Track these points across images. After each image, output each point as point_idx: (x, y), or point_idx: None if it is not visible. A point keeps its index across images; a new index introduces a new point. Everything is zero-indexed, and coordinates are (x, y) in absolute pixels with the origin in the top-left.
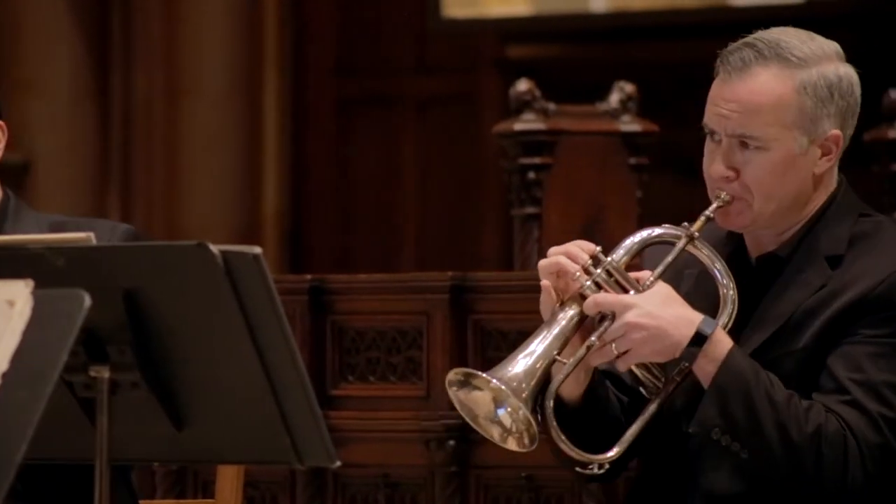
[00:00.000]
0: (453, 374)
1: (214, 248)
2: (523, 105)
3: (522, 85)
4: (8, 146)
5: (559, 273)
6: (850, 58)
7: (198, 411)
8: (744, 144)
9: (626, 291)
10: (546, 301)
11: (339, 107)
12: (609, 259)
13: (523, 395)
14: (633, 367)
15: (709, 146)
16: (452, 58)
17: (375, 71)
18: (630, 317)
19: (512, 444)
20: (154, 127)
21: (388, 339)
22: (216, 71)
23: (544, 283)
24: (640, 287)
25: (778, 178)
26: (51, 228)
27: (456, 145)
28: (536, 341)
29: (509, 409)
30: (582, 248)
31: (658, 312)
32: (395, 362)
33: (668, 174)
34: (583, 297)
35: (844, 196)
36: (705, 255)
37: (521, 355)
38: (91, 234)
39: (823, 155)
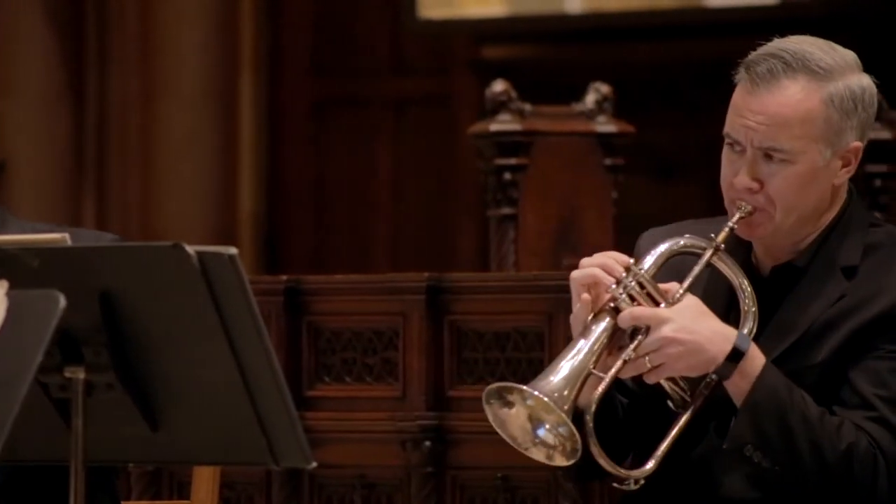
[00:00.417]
0: (490, 388)
1: (190, 249)
2: (499, 106)
3: (498, 86)
4: None
5: (592, 285)
6: None
7: (173, 412)
8: (768, 156)
9: (657, 304)
10: (581, 314)
11: (314, 108)
12: (642, 271)
13: (565, 406)
14: (663, 382)
15: (729, 156)
16: (428, 59)
17: (351, 72)
18: (666, 331)
19: (549, 458)
20: (129, 129)
21: (364, 340)
22: (192, 72)
23: (584, 296)
24: (670, 300)
25: (801, 191)
26: None
27: (432, 146)
28: (572, 354)
29: (549, 423)
30: (616, 260)
31: (694, 327)
32: (371, 363)
33: (643, 175)
34: (616, 310)
35: (856, 206)
36: (728, 267)
37: (558, 367)
38: (66, 235)
39: (844, 166)
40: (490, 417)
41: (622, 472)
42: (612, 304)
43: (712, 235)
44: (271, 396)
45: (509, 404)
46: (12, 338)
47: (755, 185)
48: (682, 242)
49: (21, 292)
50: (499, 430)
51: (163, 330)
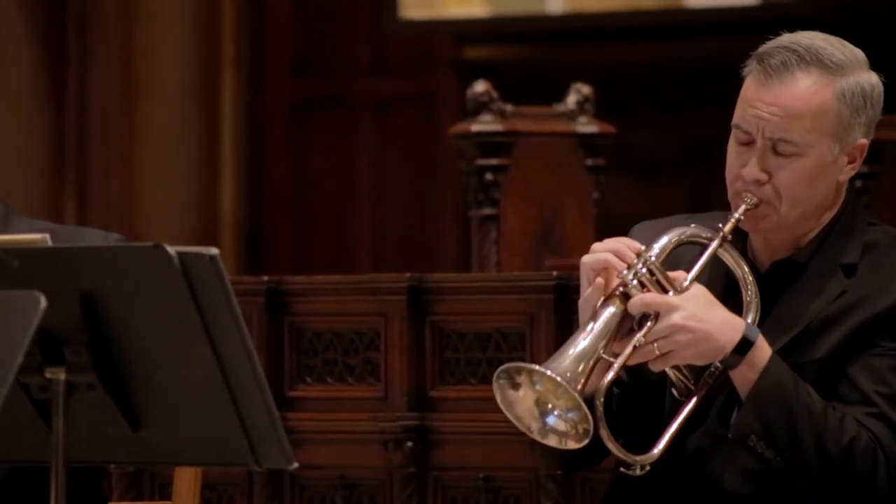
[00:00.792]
0: (502, 368)
1: (171, 250)
2: (480, 106)
3: (479, 86)
4: None
5: (603, 270)
6: None
7: (154, 413)
8: (777, 149)
9: (666, 292)
10: (592, 298)
11: (295, 108)
12: (652, 258)
13: (577, 387)
14: (669, 371)
15: (737, 148)
16: (409, 59)
17: (332, 72)
18: (676, 318)
19: (559, 442)
20: (110, 129)
21: (346, 341)
22: (173, 72)
23: (598, 280)
24: (678, 288)
25: (808, 185)
26: None
27: (413, 147)
28: (582, 337)
29: (559, 406)
30: (628, 247)
31: (703, 315)
32: (353, 364)
33: (624, 175)
34: (625, 296)
35: (854, 204)
36: (732, 259)
37: (569, 350)
38: (46, 236)
39: (849, 163)
40: (498, 398)
41: (630, 457)
42: (621, 290)
43: (720, 225)
44: (253, 397)
45: (518, 385)
46: None
47: (764, 177)
48: (689, 232)
49: (1, 293)
50: (506, 412)
51: (144, 330)
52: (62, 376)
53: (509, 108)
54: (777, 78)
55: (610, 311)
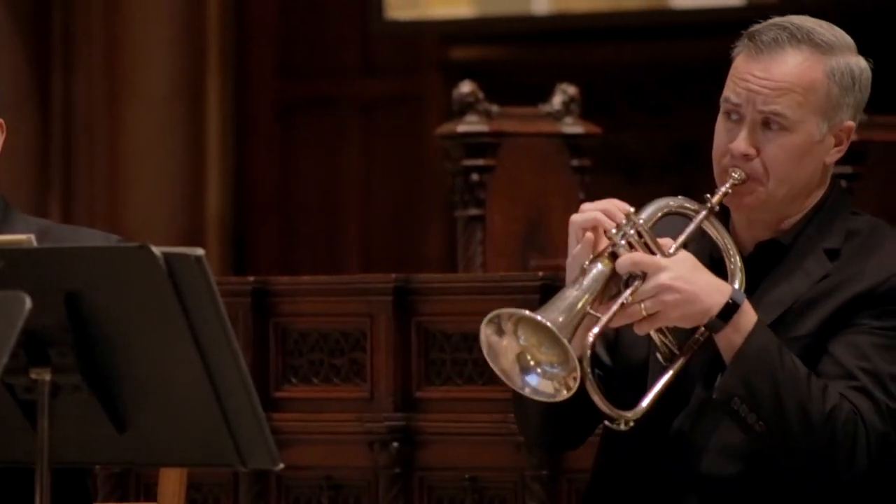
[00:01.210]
0: (492, 315)
1: (156, 250)
2: (466, 107)
3: (465, 87)
4: None
5: (593, 229)
6: None
7: (140, 414)
8: (767, 124)
9: (653, 255)
10: (581, 255)
11: (281, 109)
12: (641, 220)
13: (568, 336)
14: (652, 332)
15: (725, 124)
16: (395, 60)
17: (318, 73)
18: (664, 278)
19: (562, 395)
20: (95, 130)
21: (332, 341)
22: (158, 74)
23: (588, 235)
24: (665, 253)
25: (795, 162)
26: (38, 233)
27: (399, 147)
28: (570, 292)
29: (545, 359)
30: (617, 207)
31: (691, 278)
32: (339, 364)
33: (610, 176)
34: (613, 255)
35: (838, 194)
36: (716, 230)
37: (557, 304)
38: (31, 236)
39: (836, 145)
40: (484, 347)
41: (616, 411)
42: (610, 250)
43: (707, 196)
44: (238, 398)
45: (503, 334)
46: None
47: (752, 151)
48: (676, 202)
49: None
50: (490, 361)
51: (129, 331)
52: (47, 377)
53: (495, 108)
54: (768, 53)
55: (598, 269)
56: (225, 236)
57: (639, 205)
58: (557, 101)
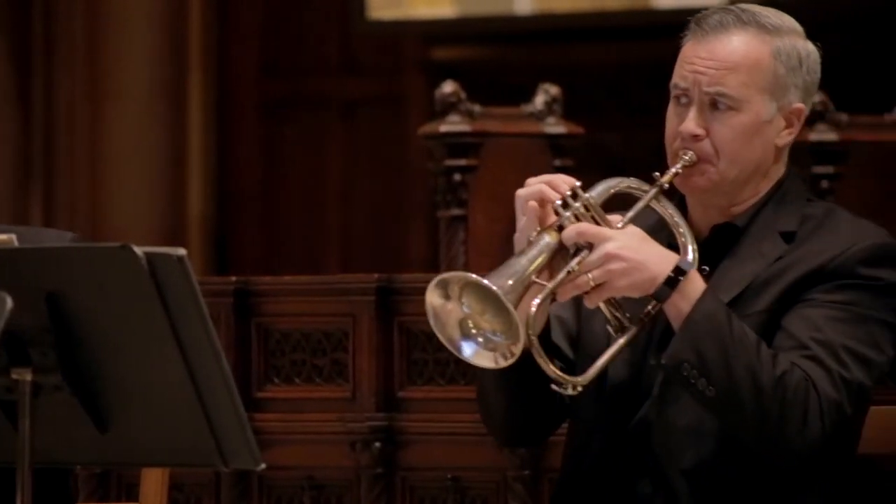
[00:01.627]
0: (439, 278)
1: (138, 250)
2: (449, 107)
3: (447, 87)
4: None
5: (539, 202)
6: None
7: (122, 414)
8: (714, 105)
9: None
10: (527, 227)
11: (264, 108)
12: (588, 195)
13: (514, 302)
14: (602, 305)
15: (675, 109)
16: (378, 59)
17: (301, 73)
18: (610, 247)
19: (501, 362)
20: (77, 130)
21: (314, 341)
22: (140, 73)
23: (531, 204)
24: (614, 226)
25: (745, 142)
26: None
27: (382, 147)
28: (515, 260)
29: (481, 325)
30: (562, 180)
31: (637, 247)
32: (321, 364)
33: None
34: (560, 228)
35: (794, 181)
36: (667, 209)
37: (503, 271)
38: (13, 237)
39: (787, 127)
40: (428, 310)
41: (562, 375)
42: (557, 223)
43: (657, 174)
44: (220, 398)
45: (450, 298)
46: None
47: (701, 132)
48: (626, 182)
49: None
50: (432, 324)
51: (111, 331)
52: (28, 377)
53: (477, 108)
54: (713, 35)
55: (545, 241)
56: (207, 236)
57: (621, 203)
58: (540, 101)
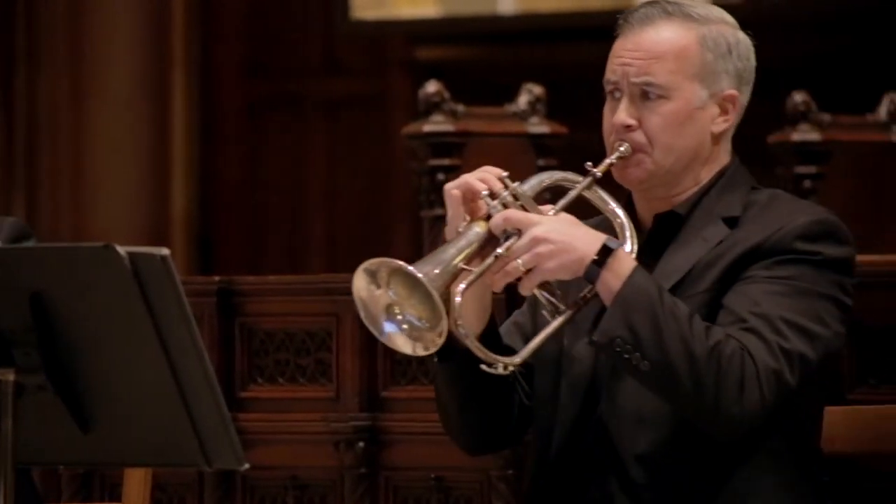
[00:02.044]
0: (367, 263)
1: (121, 250)
2: (432, 107)
3: (431, 87)
4: None
5: (466, 194)
6: (759, 60)
7: (105, 414)
8: (645, 95)
9: None
10: (454, 220)
11: (247, 108)
12: (516, 184)
13: (439, 289)
14: (536, 291)
15: (610, 104)
16: (361, 59)
17: (284, 72)
18: (537, 231)
19: (420, 351)
20: (60, 129)
21: (298, 341)
22: (123, 71)
23: (454, 192)
24: (544, 214)
25: (677, 130)
26: None
27: (365, 147)
28: (444, 249)
29: (407, 311)
30: (492, 173)
31: (565, 230)
32: (305, 364)
33: None
34: (489, 218)
35: (738, 169)
36: (602, 198)
37: (430, 259)
38: None
39: (721, 114)
40: (356, 292)
41: (490, 355)
42: (486, 213)
43: (588, 165)
44: (204, 398)
45: (378, 283)
46: None
47: (633, 122)
48: (561, 174)
49: None
50: (359, 308)
51: (94, 331)
52: (11, 377)
53: (461, 108)
54: (639, 27)
55: (473, 230)
56: (190, 236)
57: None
58: (523, 100)
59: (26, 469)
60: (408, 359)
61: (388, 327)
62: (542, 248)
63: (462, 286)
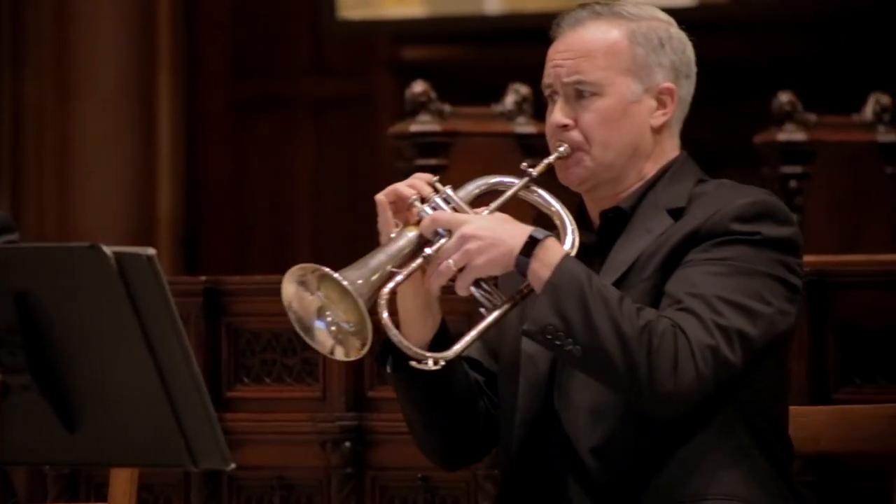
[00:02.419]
0: (295, 268)
1: (107, 250)
2: (419, 107)
3: (418, 86)
4: None
5: (397, 201)
6: (738, 60)
7: (91, 414)
8: (579, 94)
9: None
10: (384, 228)
11: (233, 108)
12: (449, 191)
13: (362, 294)
14: (474, 290)
15: (549, 108)
16: (348, 59)
17: (271, 72)
18: (465, 229)
19: (341, 355)
20: (45, 129)
21: (284, 341)
22: (108, 73)
23: (380, 198)
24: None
25: (613, 125)
26: None
27: (352, 147)
28: (373, 254)
29: (337, 314)
30: (423, 180)
31: (493, 226)
32: (291, 364)
33: None
34: (420, 222)
35: (685, 162)
36: (541, 197)
37: (359, 264)
38: None
39: (659, 107)
40: (285, 301)
41: (419, 352)
42: (417, 218)
43: (524, 166)
44: (190, 398)
45: (308, 288)
46: None
47: (568, 121)
48: (497, 178)
49: None
50: (290, 315)
51: (80, 331)
52: None
53: (447, 108)
54: (569, 29)
55: (405, 235)
56: (176, 236)
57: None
58: (510, 100)
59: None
60: None
61: (318, 324)
62: (470, 245)
63: (387, 288)
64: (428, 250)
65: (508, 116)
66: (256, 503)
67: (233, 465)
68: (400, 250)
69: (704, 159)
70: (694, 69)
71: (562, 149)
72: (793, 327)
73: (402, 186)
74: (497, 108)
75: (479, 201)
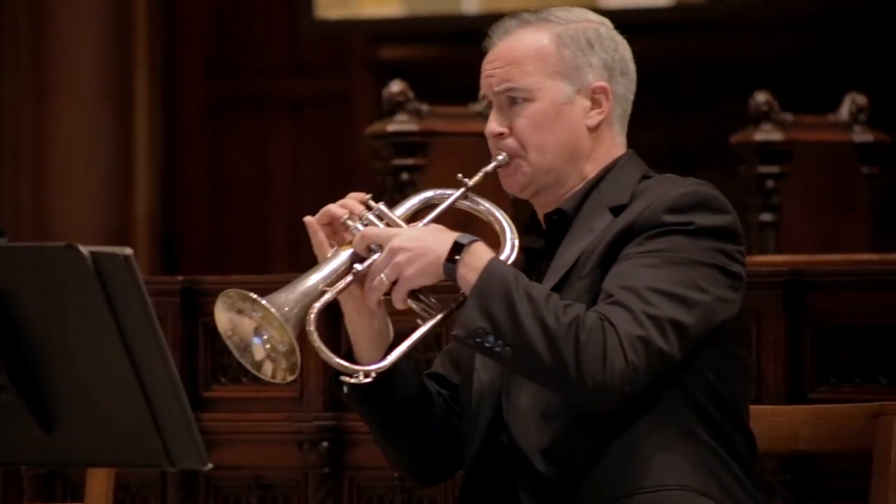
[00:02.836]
0: (224, 295)
1: (84, 250)
2: (396, 106)
3: (395, 86)
4: None
5: (332, 222)
6: (716, 60)
7: (67, 414)
8: (512, 101)
9: None
10: (316, 248)
11: (211, 107)
12: (382, 207)
13: (290, 318)
14: (412, 303)
15: (488, 118)
16: (325, 59)
17: (248, 72)
18: (394, 242)
19: (268, 373)
20: (22, 129)
21: None
22: (85, 72)
23: (308, 218)
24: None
25: (546, 128)
26: None
27: (329, 146)
28: (306, 276)
29: (272, 334)
30: (354, 198)
31: (421, 236)
32: None
33: None
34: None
35: (630, 160)
36: (482, 206)
37: (289, 288)
38: None
39: (594, 107)
40: (220, 328)
41: (349, 366)
42: (350, 238)
43: (460, 176)
44: (167, 397)
45: (240, 312)
46: None
47: (503, 129)
48: (436, 192)
49: None
50: (226, 339)
51: (56, 331)
52: None
53: (425, 107)
54: (498, 39)
55: (339, 255)
56: (153, 235)
57: None
58: None
59: None
60: None
61: (255, 340)
62: (399, 258)
63: (317, 305)
64: (358, 266)
65: (486, 116)
66: (233, 503)
67: (210, 466)
68: (334, 270)
69: (681, 159)
70: (631, 66)
71: (500, 157)
72: (739, 315)
73: (334, 207)
74: (474, 107)
75: (421, 215)
